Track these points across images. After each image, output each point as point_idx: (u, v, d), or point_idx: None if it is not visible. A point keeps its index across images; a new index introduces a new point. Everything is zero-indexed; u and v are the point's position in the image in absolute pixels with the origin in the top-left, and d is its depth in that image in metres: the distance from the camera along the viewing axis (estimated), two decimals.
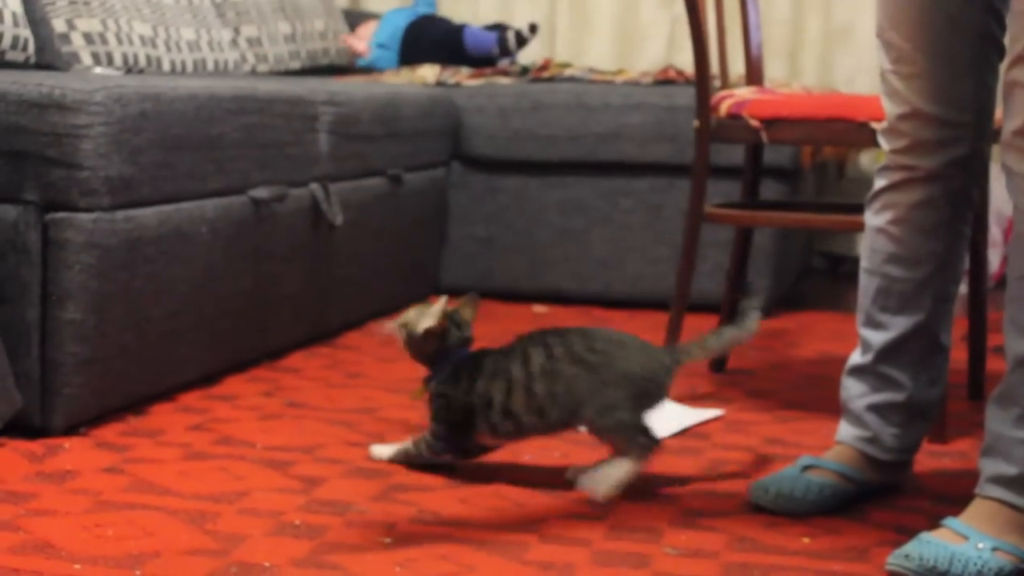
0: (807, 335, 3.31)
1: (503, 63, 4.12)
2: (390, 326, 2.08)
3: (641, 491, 2.01)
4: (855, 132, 2.45)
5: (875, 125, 2.38)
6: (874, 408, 2.00)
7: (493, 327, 3.33)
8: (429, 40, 4.17)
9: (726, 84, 2.75)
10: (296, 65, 3.97)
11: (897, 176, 1.94)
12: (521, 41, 4.10)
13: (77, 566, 1.64)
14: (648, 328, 3.31)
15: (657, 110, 3.57)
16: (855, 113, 2.44)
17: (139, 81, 2.34)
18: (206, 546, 1.73)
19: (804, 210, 2.78)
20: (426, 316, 2.05)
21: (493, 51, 4.09)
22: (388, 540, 1.78)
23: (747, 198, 2.82)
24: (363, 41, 4.27)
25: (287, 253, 2.81)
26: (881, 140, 1.97)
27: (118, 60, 3.08)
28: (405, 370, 2.78)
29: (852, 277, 2.30)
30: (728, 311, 2.81)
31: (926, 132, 1.89)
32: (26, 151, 2.16)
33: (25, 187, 2.17)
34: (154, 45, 3.22)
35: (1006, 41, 1.72)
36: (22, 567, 1.63)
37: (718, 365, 2.89)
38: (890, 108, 1.92)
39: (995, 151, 2.04)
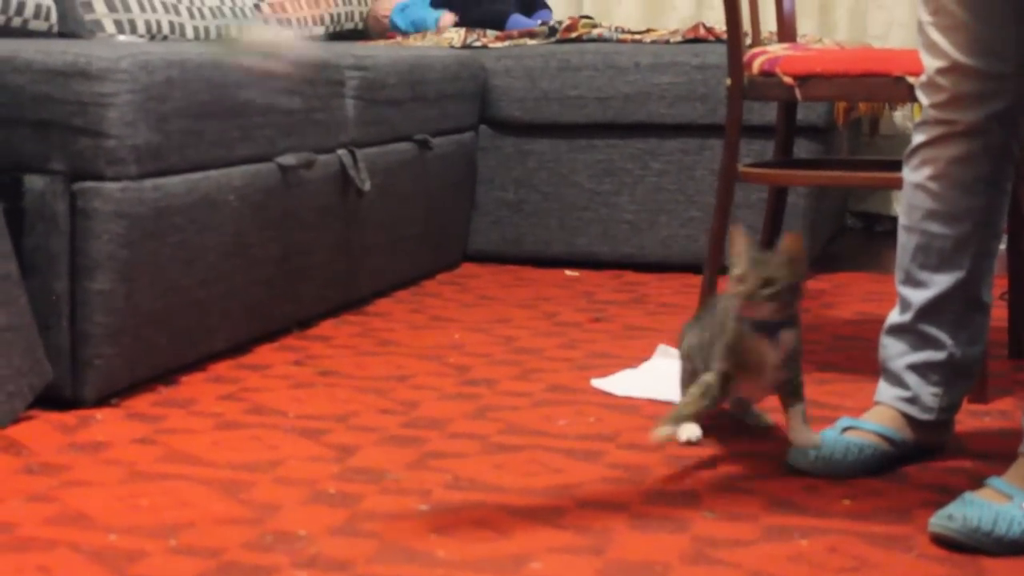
0: (843, 296, 3.27)
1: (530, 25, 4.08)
2: (741, 287, 1.88)
3: (678, 455, 1.99)
4: (891, 87, 2.41)
5: (912, 79, 2.33)
6: (914, 367, 1.96)
7: (525, 291, 3.30)
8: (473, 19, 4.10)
9: (757, 42, 2.71)
10: (320, 30, 3.95)
11: (936, 131, 1.90)
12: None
13: (112, 536, 1.63)
14: (681, 291, 3.28)
15: (687, 69, 3.53)
16: (891, 67, 2.40)
17: (164, 48, 2.32)
18: (241, 515, 1.71)
19: (839, 168, 2.74)
20: (788, 263, 1.88)
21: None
22: (424, 507, 1.76)
23: (780, 157, 2.78)
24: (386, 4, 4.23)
25: (315, 220, 2.79)
26: (919, 94, 1.92)
27: (141, 27, 3.06)
28: (435, 337, 2.76)
29: (887, 236, 2.26)
30: None
31: (966, 85, 1.85)
32: (52, 120, 2.14)
33: (52, 157, 2.15)
34: (177, 12, 3.20)
35: None
36: (58, 538, 1.62)
37: None
38: (929, 61, 1.88)
39: None
